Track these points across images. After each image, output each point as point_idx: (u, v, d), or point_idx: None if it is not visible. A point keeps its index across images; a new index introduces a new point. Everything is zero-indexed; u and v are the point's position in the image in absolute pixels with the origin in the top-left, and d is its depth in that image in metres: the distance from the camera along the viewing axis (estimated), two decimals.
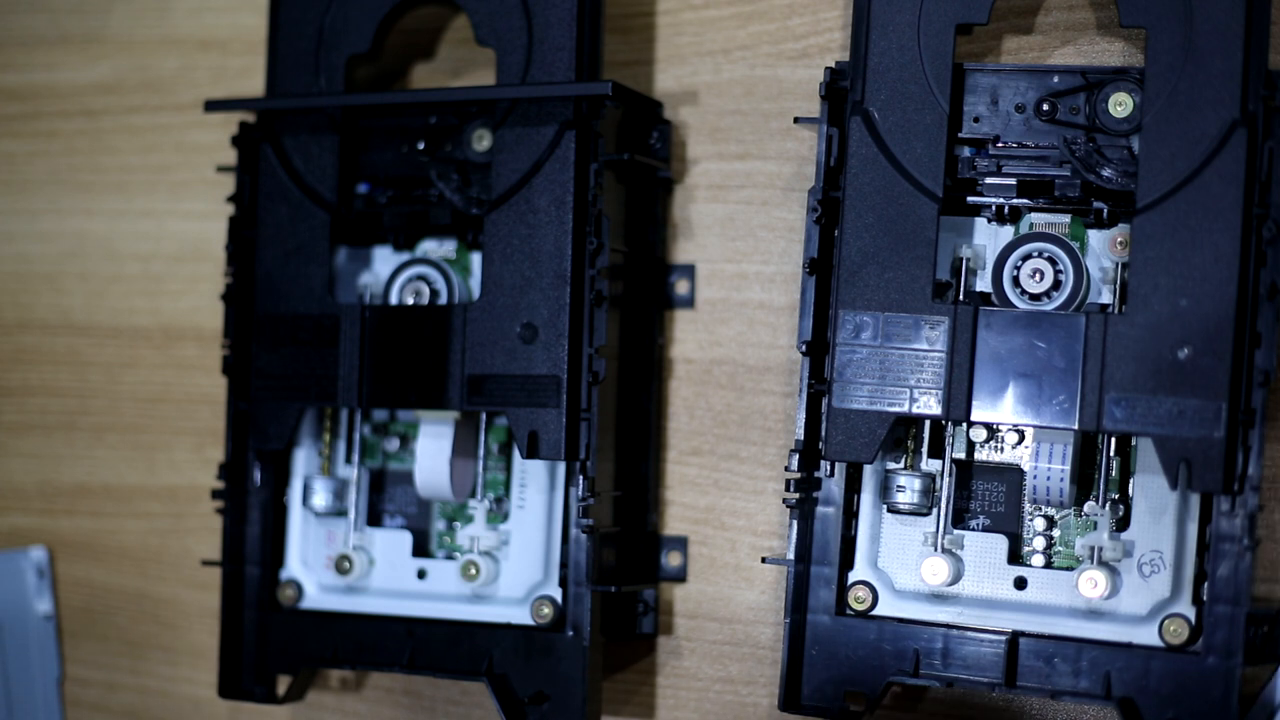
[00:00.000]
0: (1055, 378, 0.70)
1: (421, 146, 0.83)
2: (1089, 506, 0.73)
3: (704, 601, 0.84)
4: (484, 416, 0.83)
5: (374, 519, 0.86)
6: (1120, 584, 0.72)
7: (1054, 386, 0.70)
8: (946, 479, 0.74)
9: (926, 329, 0.71)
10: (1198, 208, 0.68)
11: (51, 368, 0.99)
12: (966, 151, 0.74)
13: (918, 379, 0.71)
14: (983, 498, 0.76)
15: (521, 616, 0.81)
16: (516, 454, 0.82)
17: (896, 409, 0.72)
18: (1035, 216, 0.75)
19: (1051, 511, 0.75)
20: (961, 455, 0.75)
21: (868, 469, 0.76)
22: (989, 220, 0.75)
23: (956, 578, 0.74)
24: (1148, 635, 0.72)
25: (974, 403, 0.71)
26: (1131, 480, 0.73)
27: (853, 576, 0.76)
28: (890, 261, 0.72)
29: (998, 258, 0.74)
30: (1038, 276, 0.73)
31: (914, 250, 0.72)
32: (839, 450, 0.73)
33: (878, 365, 0.72)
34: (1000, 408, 0.70)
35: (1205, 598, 0.71)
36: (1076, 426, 0.69)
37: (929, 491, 0.75)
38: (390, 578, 0.84)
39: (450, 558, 0.84)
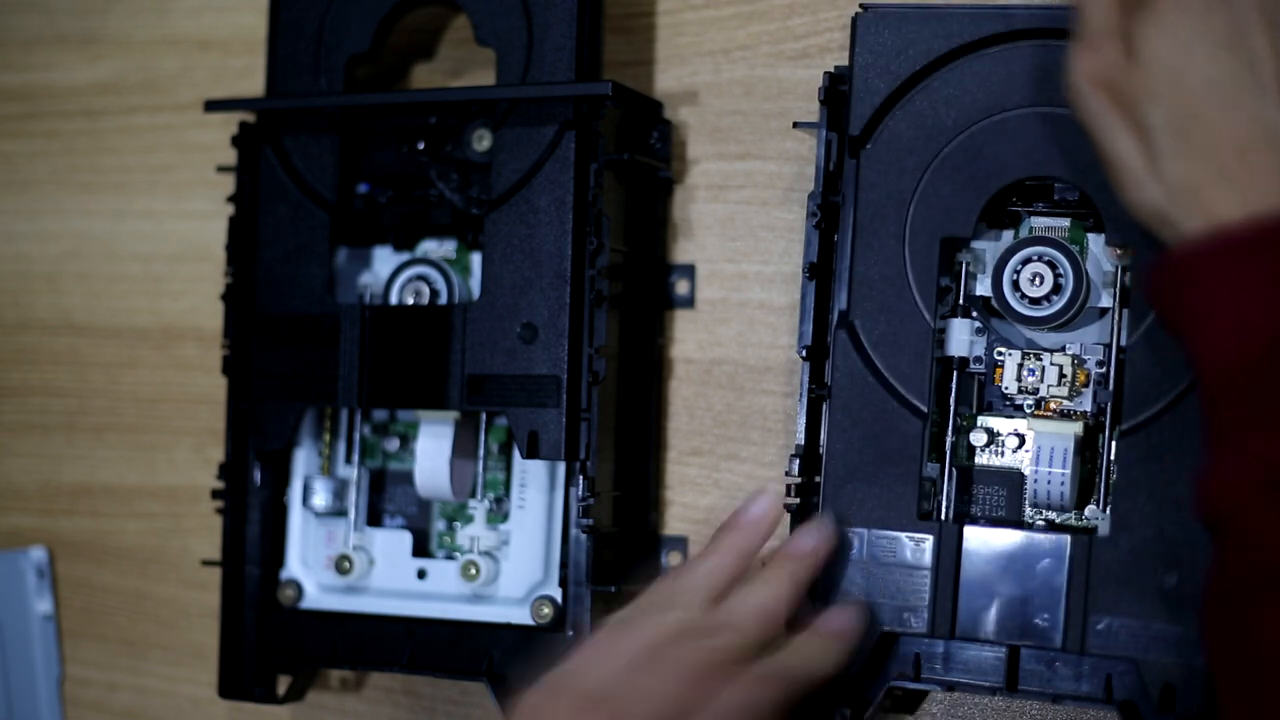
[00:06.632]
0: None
1: (421, 146, 0.83)
2: (1089, 510, 0.73)
3: None
4: (484, 416, 0.83)
5: (374, 519, 0.86)
6: None
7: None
8: (947, 483, 0.74)
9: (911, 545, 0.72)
10: None
11: (51, 368, 0.99)
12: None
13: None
14: (983, 501, 0.75)
15: (521, 616, 0.81)
16: (516, 454, 0.82)
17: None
18: (1035, 220, 0.74)
19: (1053, 514, 0.75)
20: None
21: None
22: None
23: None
24: None
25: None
26: None
27: None
28: (876, 476, 0.73)
29: (997, 262, 0.73)
30: (1038, 280, 0.73)
31: (899, 467, 0.72)
32: None
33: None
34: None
35: None
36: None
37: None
38: (390, 578, 0.84)
39: (450, 558, 0.84)
